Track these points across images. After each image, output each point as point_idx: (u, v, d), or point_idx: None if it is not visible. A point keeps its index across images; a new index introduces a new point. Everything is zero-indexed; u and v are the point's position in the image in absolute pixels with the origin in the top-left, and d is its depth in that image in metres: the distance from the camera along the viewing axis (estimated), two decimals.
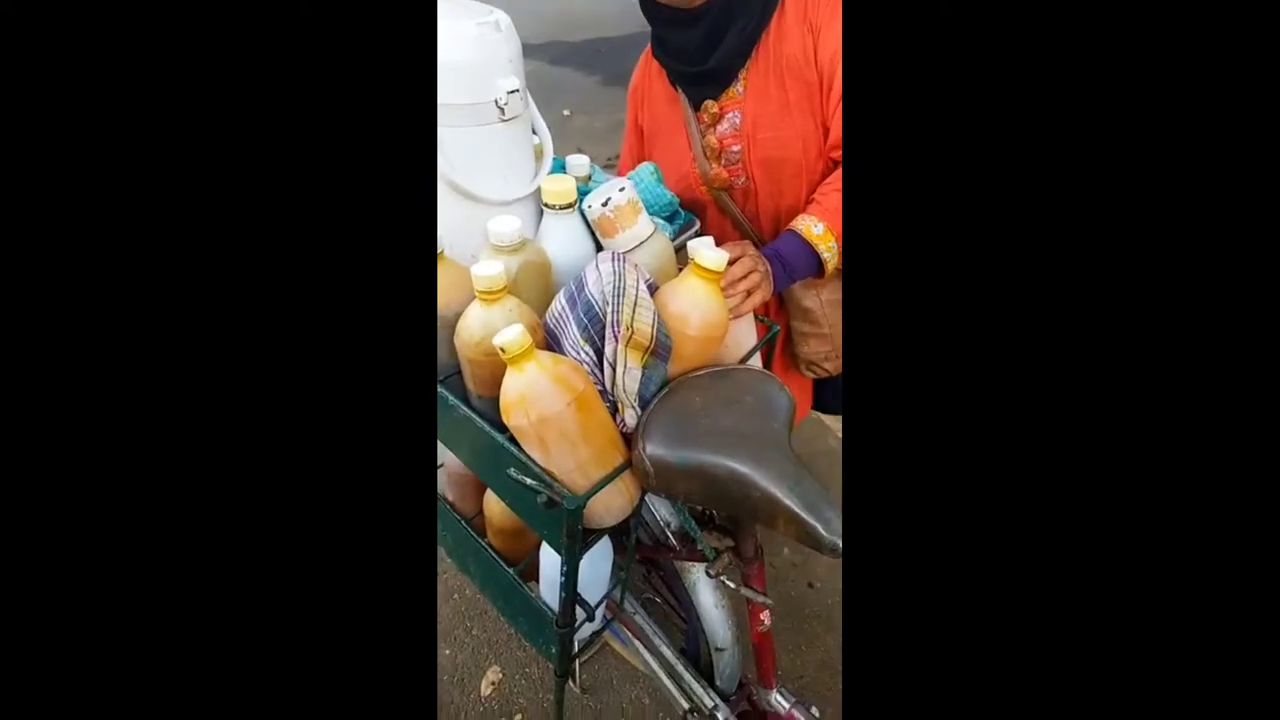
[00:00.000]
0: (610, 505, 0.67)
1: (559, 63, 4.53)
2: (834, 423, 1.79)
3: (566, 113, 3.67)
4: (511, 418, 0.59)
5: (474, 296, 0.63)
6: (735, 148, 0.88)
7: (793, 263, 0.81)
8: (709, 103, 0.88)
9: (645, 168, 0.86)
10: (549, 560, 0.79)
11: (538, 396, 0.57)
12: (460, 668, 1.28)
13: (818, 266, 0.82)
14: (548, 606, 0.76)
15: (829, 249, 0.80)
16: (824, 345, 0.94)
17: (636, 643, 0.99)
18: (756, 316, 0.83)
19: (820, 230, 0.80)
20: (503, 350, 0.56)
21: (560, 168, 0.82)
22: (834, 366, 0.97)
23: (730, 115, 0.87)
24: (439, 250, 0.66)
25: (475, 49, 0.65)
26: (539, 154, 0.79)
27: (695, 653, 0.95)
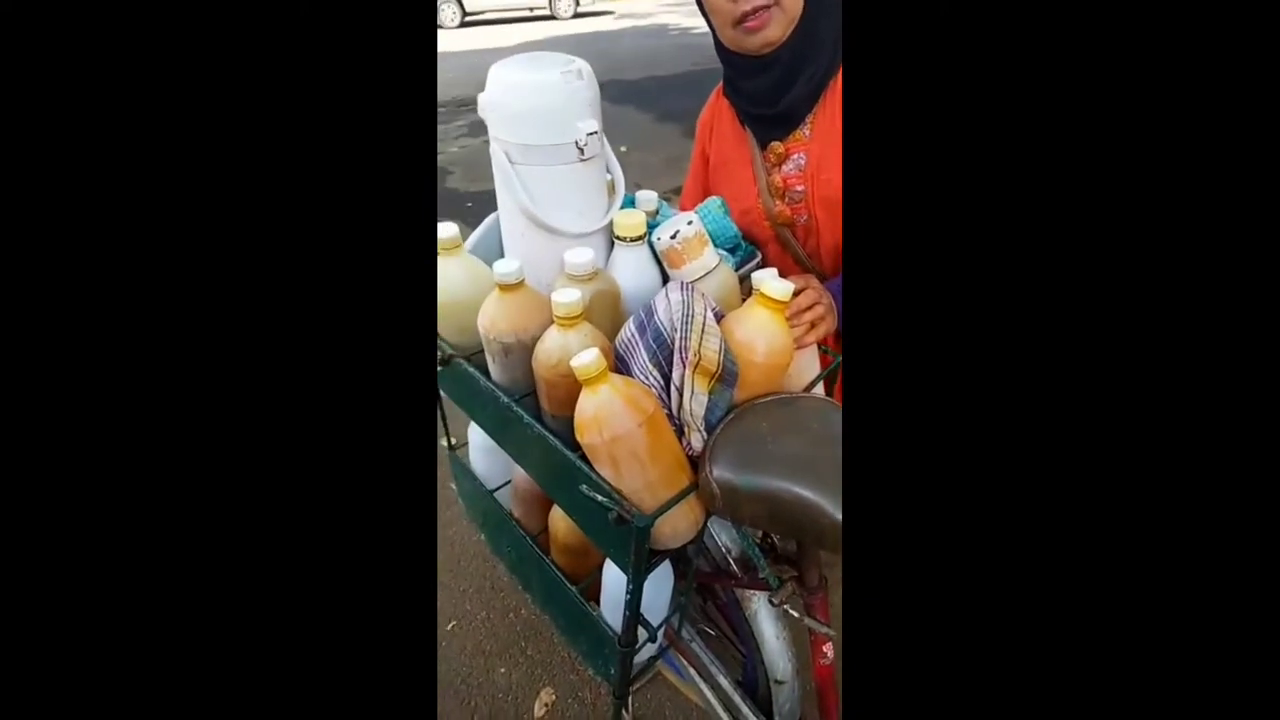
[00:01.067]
0: (676, 527, 0.69)
1: (618, 101, 4.71)
2: None
3: (624, 149, 3.80)
4: (585, 436, 0.62)
5: (552, 321, 0.67)
6: (799, 187, 0.91)
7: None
8: (775, 143, 0.91)
9: (713, 201, 0.90)
10: (612, 579, 0.81)
11: (611, 416, 0.60)
12: (516, 686, 1.29)
13: None
14: (609, 627, 0.77)
15: None
16: None
17: (692, 671, 0.99)
18: (820, 347, 0.84)
19: None
20: (579, 372, 0.59)
21: (630, 203, 0.87)
22: None
23: (795, 156, 0.90)
24: (520, 280, 0.71)
25: (560, 95, 0.70)
26: (611, 189, 0.84)
27: (753, 685, 0.94)
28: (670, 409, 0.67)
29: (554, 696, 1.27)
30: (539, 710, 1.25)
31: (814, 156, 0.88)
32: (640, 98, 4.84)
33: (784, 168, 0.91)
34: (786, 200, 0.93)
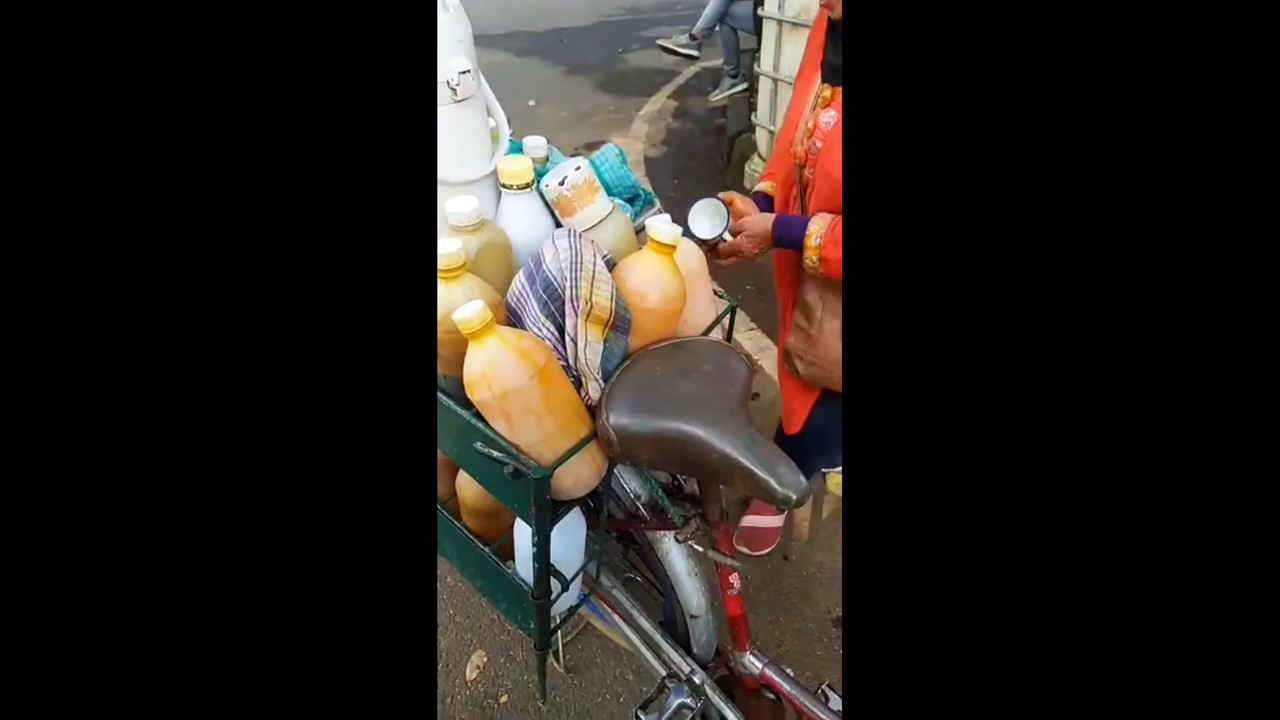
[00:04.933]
0: (579, 476, 0.69)
1: (523, 54, 4.49)
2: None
3: (532, 103, 3.65)
4: (475, 393, 0.60)
5: None
6: (818, 143, 0.90)
7: (784, 238, 0.90)
8: (826, 87, 0.91)
9: (610, 149, 0.88)
10: (524, 535, 0.81)
11: (500, 371, 0.59)
12: (446, 653, 1.29)
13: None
14: (524, 581, 0.78)
15: (811, 260, 0.88)
16: (808, 342, 1.00)
17: (616, 618, 1.02)
18: (716, 292, 0.85)
19: (817, 243, 0.87)
20: (462, 326, 0.57)
21: (517, 149, 0.83)
22: (805, 367, 1.02)
23: (831, 111, 0.89)
24: None
25: None
26: (495, 137, 0.80)
27: (672, 622, 0.97)
28: (566, 359, 0.66)
29: (485, 659, 1.28)
30: (471, 673, 1.25)
31: (839, 123, 0.88)
32: (548, 50, 4.63)
33: (822, 115, 0.91)
34: (806, 148, 0.93)
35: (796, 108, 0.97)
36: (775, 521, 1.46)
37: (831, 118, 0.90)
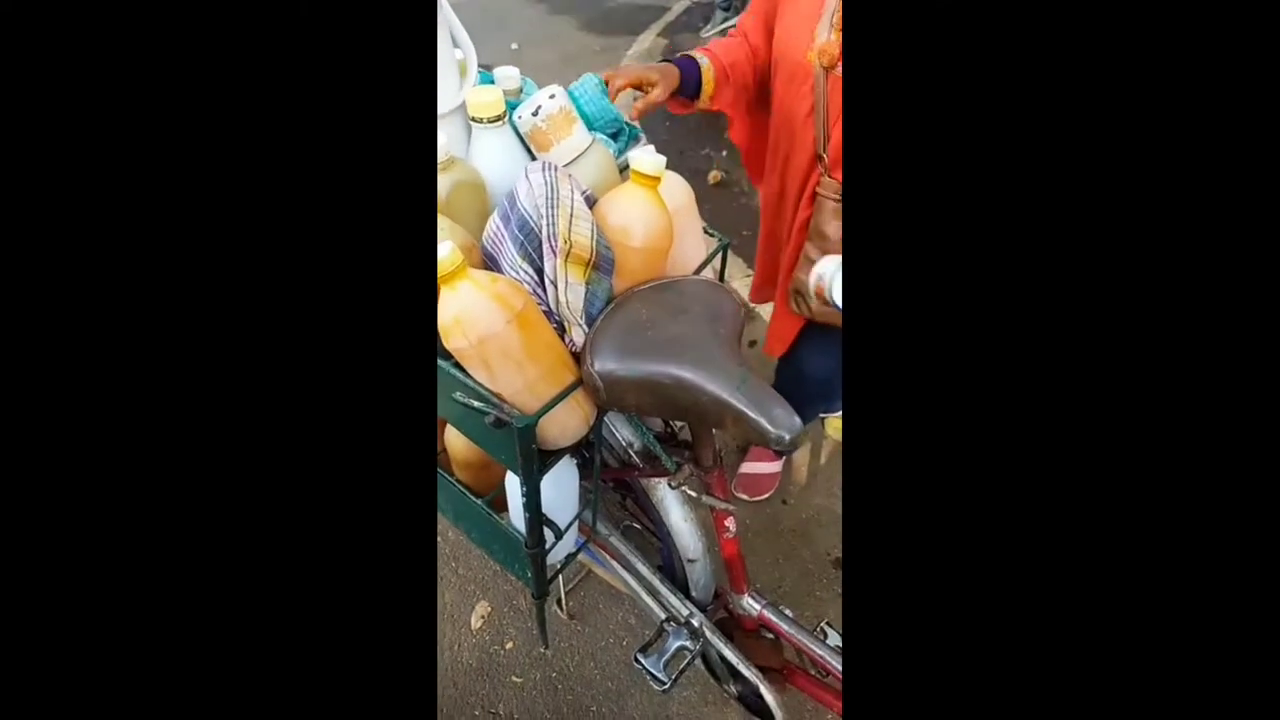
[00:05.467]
0: (566, 425, 0.67)
1: None
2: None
3: (515, 46, 3.47)
4: (451, 340, 0.57)
5: None
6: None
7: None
8: None
9: (589, 78, 0.82)
10: (515, 486, 0.80)
11: (475, 316, 0.55)
12: (450, 606, 1.31)
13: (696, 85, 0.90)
14: (517, 531, 0.77)
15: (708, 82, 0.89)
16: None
17: (615, 564, 1.02)
18: (707, 230, 0.81)
19: (705, 62, 0.88)
20: None
21: (488, 81, 0.77)
22: (820, 305, 0.91)
23: None
24: None
25: None
26: (464, 70, 0.74)
27: (670, 567, 0.98)
28: (547, 304, 0.63)
29: (489, 608, 1.30)
30: (476, 623, 1.28)
31: None
32: None
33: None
34: (836, 50, 0.80)
35: (802, 8, 0.85)
36: (773, 467, 1.46)
37: None
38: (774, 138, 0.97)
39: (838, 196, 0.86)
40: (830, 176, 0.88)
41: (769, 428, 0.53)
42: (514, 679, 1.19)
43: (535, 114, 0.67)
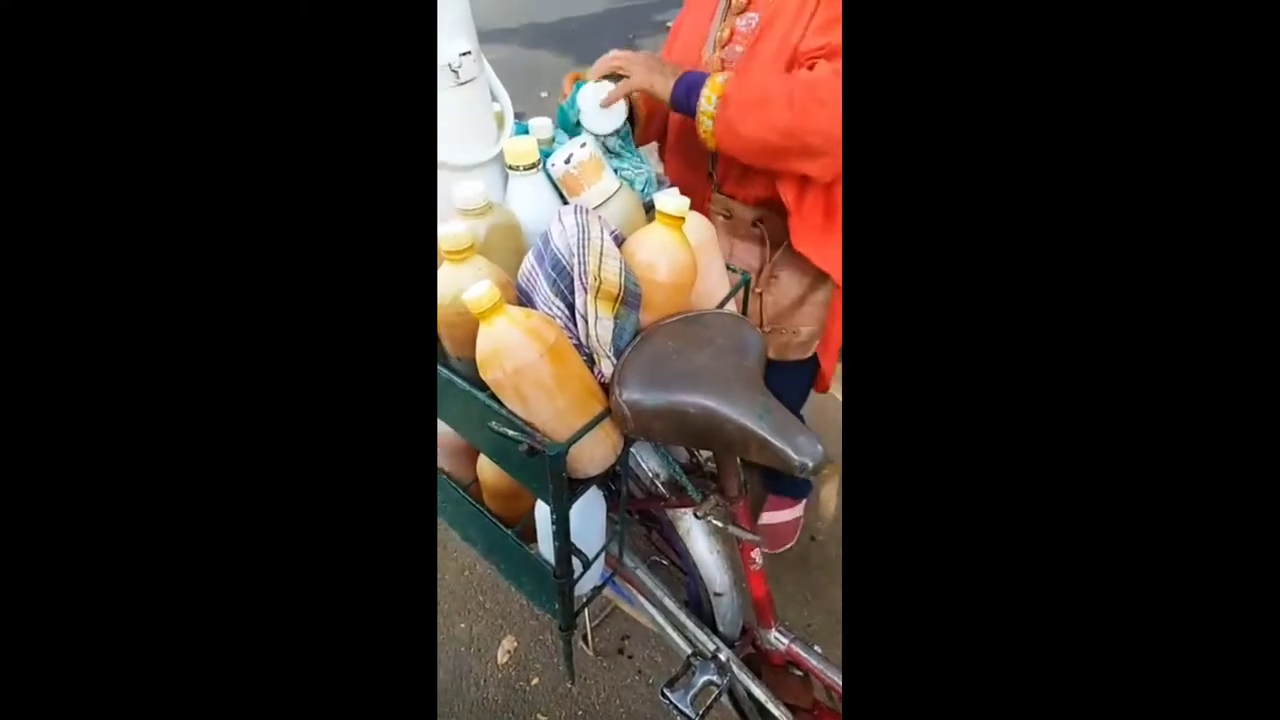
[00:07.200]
0: (594, 454, 0.69)
1: (533, 45, 4.48)
2: None
3: (544, 94, 3.64)
4: (488, 371, 0.60)
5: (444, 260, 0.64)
6: (738, 48, 0.84)
7: (685, 86, 0.80)
8: None
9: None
10: (544, 515, 0.81)
11: (511, 349, 0.59)
12: (477, 639, 1.31)
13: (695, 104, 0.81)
14: (546, 561, 0.78)
15: (709, 100, 0.79)
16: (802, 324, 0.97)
17: (641, 599, 1.02)
18: (729, 267, 0.84)
19: (721, 79, 0.78)
20: (472, 306, 0.57)
21: (524, 131, 0.83)
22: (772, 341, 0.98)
23: (750, 15, 0.83)
24: None
25: None
26: (501, 121, 0.80)
27: (696, 601, 0.97)
28: (578, 338, 0.66)
29: (516, 643, 1.30)
30: (502, 657, 1.27)
31: (764, 21, 0.82)
32: (557, 41, 4.61)
33: (739, 20, 0.85)
34: (723, 56, 0.86)
35: (697, 17, 0.89)
36: (793, 514, 1.43)
37: (752, 20, 0.83)
38: (671, 160, 1.00)
39: (727, 213, 0.88)
40: (720, 193, 0.90)
41: (793, 455, 0.55)
42: (540, 717, 1.18)
43: (568, 161, 0.71)
